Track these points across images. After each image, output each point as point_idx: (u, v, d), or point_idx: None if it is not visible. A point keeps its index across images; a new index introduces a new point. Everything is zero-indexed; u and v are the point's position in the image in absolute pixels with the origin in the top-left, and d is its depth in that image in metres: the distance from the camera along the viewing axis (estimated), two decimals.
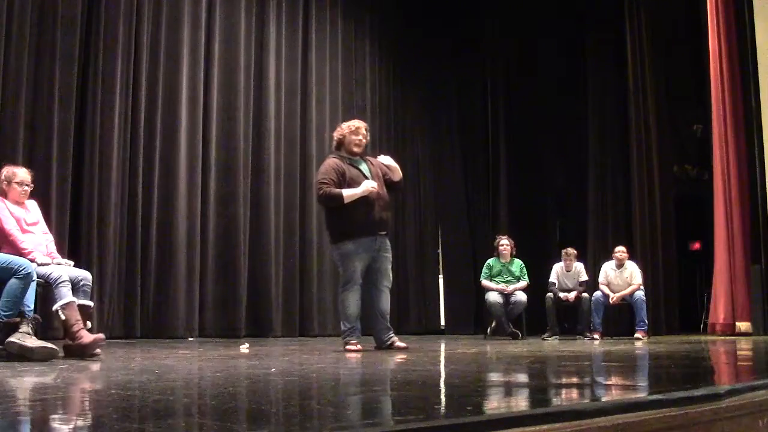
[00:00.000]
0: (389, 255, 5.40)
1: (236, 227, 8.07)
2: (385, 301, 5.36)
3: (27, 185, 4.64)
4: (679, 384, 2.76)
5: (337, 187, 5.18)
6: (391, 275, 5.45)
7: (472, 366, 3.83)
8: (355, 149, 5.36)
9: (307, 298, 8.76)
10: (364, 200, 5.17)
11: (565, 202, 11.19)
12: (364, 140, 5.40)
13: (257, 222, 8.38)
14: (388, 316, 5.40)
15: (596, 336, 8.31)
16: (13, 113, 6.42)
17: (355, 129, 5.39)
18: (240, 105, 8.30)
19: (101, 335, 4.38)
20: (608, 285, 8.54)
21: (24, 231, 4.53)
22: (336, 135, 5.48)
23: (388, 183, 5.49)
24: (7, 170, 4.65)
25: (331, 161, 5.36)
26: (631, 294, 8.38)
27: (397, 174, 5.53)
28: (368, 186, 5.18)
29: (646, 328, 8.30)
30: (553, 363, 4.09)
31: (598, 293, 8.52)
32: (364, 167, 5.36)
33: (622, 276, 8.52)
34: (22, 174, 4.65)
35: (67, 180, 6.74)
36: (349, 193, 5.15)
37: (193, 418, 1.92)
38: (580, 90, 10.52)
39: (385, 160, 5.55)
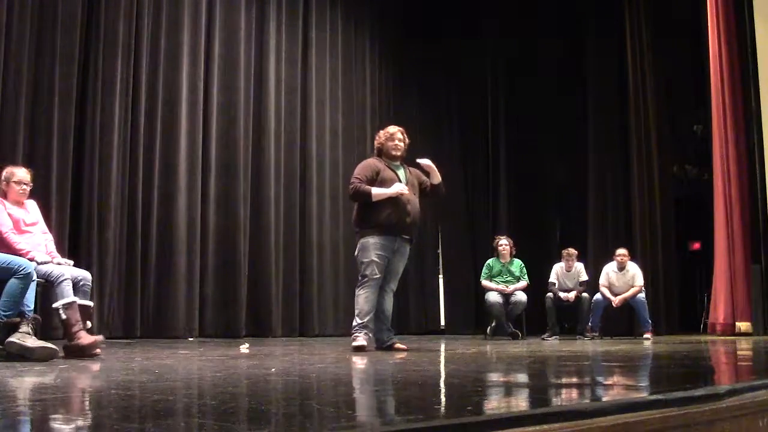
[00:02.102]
0: (405, 260, 5.48)
1: (236, 227, 8.07)
2: (389, 303, 5.44)
3: (25, 184, 4.64)
4: (679, 384, 2.76)
5: (369, 185, 5.27)
6: (398, 279, 5.50)
7: (472, 366, 3.83)
8: (394, 153, 5.45)
9: (307, 298, 8.76)
10: (393, 201, 5.24)
11: (565, 202, 11.19)
12: (401, 144, 5.48)
13: (257, 222, 8.38)
14: (390, 318, 5.45)
15: (596, 336, 8.31)
16: (13, 113, 6.42)
17: (390, 135, 5.49)
18: (240, 105, 8.30)
19: (101, 336, 4.39)
20: (609, 287, 8.52)
21: (23, 231, 4.53)
22: (375, 143, 5.60)
23: (427, 191, 5.61)
24: (7, 170, 4.67)
25: (370, 160, 5.52)
26: (633, 296, 8.37)
27: (436, 177, 5.59)
28: (398, 188, 5.25)
29: (651, 327, 8.30)
30: (553, 363, 4.09)
31: (598, 295, 8.51)
32: (401, 173, 5.45)
33: (624, 278, 8.49)
34: (21, 173, 4.65)
35: (67, 180, 6.74)
36: (377, 192, 5.24)
37: (193, 418, 1.92)
38: (580, 90, 10.52)
39: (425, 162, 5.57)
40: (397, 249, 5.34)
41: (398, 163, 5.50)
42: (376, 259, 5.25)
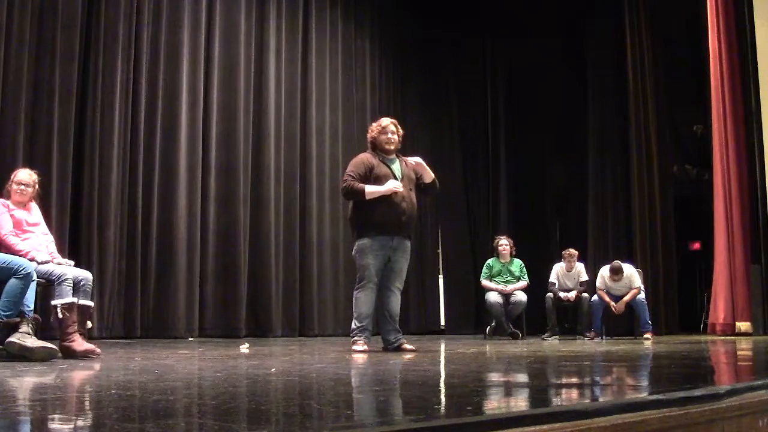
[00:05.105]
0: (407, 257, 5.33)
1: (236, 227, 8.06)
2: (395, 303, 5.30)
3: (24, 185, 4.65)
4: (679, 384, 2.76)
5: (362, 182, 5.15)
6: (404, 277, 5.37)
7: (472, 366, 3.83)
8: (387, 147, 5.32)
9: (307, 298, 8.75)
10: (388, 199, 5.11)
11: (565, 202, 11.19)
12: (394, 137, 5.35)
13: (257, 222, 8.38)
14: (398, 318, 5.31)
15: (596, 336, 8.31)
16: (13, 113, 6.41)
17: (383, 128, 5.35)
18: (240, 105, 8.30)
19: (95, 349, 4.31)
20: (606, 289, 8.47)
21: (24, 232, 4.55)
22: (368, 136, 5.47)
23: (421, 186, 5.45)
24: (15, 171, 4.74)
25: (363, 155, 5.36)
26: (632, 298, 8.35)
27: (428, 175, 5.44)
28: (392, 185, 5.11)
29: (651, 328, 8.29)
30: (553, 363, 4.09)
31: (595, 297, 8.49)
32: (396, 167, 5.30)
33: (621, 280, 8.46)
34: (20, 174, 4.71)
35: (67, 180, 6.73)
36: (371, 190, 5.10)
37: (193, 418, 1.92)
38: (580, 90, 10.52)
39: (414, 160, 5.45)
40: (396, 247, 5.21)
41: (393, 156, 5.36)
42: (372, 261, 5.14)
